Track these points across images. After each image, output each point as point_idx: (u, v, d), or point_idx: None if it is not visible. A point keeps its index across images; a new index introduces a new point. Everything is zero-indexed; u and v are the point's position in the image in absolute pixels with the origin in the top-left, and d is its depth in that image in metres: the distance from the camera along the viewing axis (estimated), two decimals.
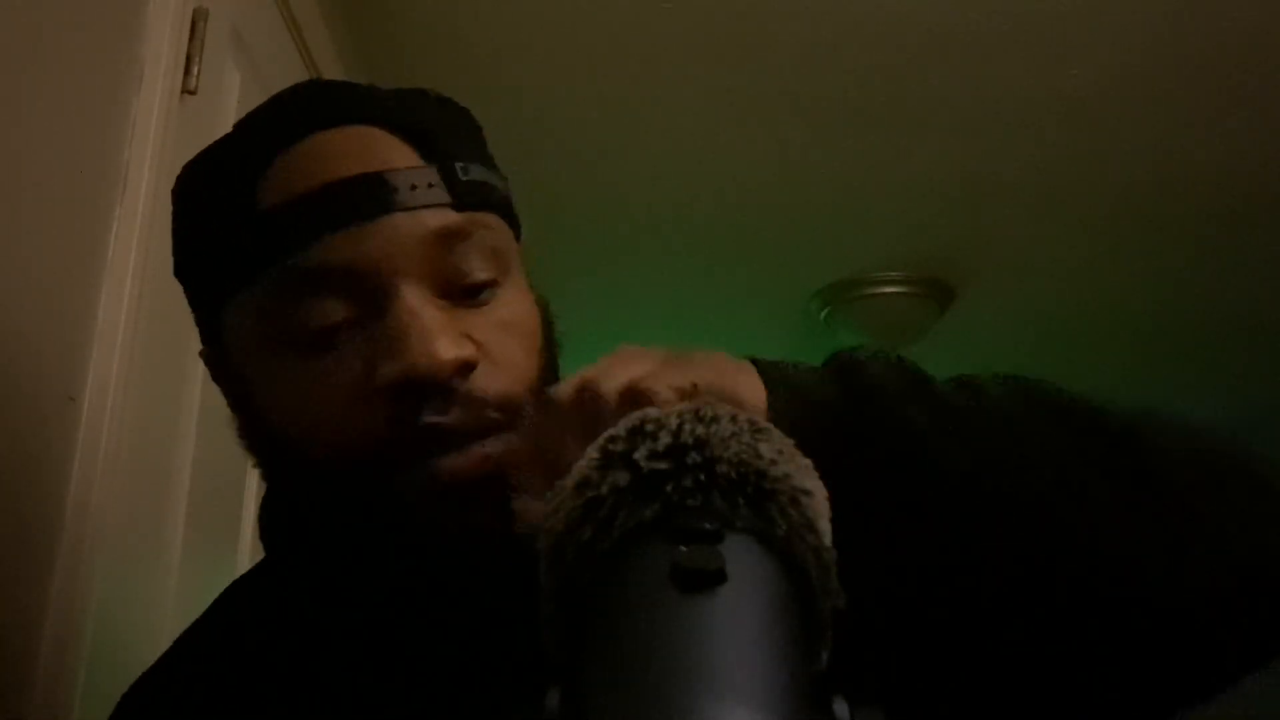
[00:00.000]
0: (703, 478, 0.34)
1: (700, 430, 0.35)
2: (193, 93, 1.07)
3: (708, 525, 0.32)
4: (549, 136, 2.01)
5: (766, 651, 0.30)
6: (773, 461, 0.35)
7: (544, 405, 0.48)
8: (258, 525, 0.62)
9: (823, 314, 2.70)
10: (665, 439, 0.35)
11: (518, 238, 0.60)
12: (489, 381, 0.52)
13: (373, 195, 0.52)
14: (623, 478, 0.34)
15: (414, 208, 0.52)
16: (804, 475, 0.36)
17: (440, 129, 0.56)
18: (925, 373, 0.51)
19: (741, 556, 0.32)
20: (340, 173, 0.52)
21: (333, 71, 1.57)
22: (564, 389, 0.47)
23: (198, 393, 1.11)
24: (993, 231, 2.39)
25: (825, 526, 0.36)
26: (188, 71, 1.07)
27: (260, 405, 0.56)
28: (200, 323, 0.60)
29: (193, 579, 1.09)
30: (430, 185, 0.53)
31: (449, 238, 0.53)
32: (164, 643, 1.05)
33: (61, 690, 0.83)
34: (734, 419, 0.37)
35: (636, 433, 0.36)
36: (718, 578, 0.30)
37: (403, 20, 1.70)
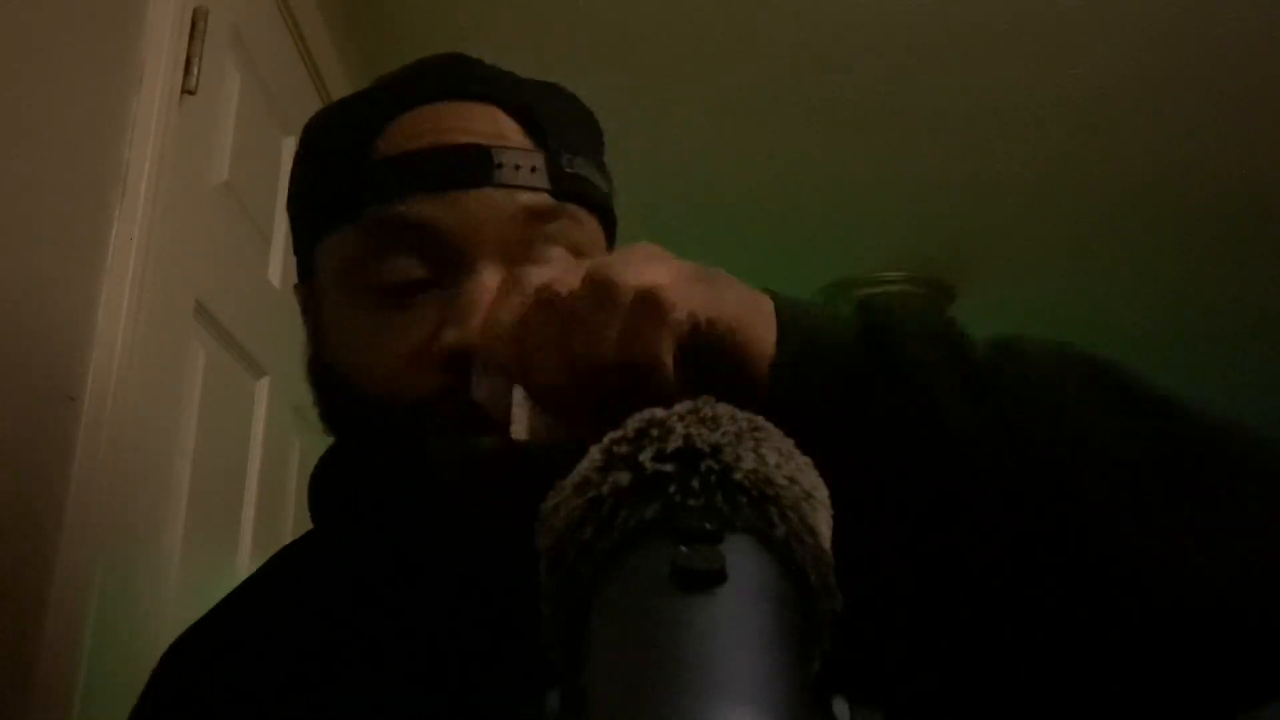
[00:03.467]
0: (713, 479, 0.34)
1: (710, 436, 0.35)
2: (193, 93, 1.07)
3: (708, 525, 0.32)
4: None
5: (766, 651, 0.30)
6: (777, 465, 0.35)
7: (545, 288, 0.45)
8: (307, 493, 0.63)
9: None
10: (675, 442, 0.35)
11: (611, 242, 0.61)
12: None
13: (474, 165, 0.53)
14: (624, 478, 0.34)
15: (512, 185, 0.53)
16: (805, 476, 0.36)
17: (556, 120, 0.57)
18: (963, 332, 0.47)
19: (741, 557, 0.32)
20: (450, 139, 0.54)
21: (333, 71, 1.57)
22: (571, 274, 0.45)
23: (198, 393, 1.11)
24: (993, 231, 2.39)
25: (825, 528, 0.36)
26: (188, 71, 1.07)
27: (331, 346, 0.57)
28: (298, 256, 0.63)
29: (193, 579, 1.09)
30: (533, 169, 0.54)
31: (538, 220, 0.54)
32: (164, 643, 1.05)
33: (61, 690, 0.83)
34: (734, 418, 0.37)
35: (643, 435, 0.36)
36: (717, 578, 0.30)
37: (403, 20, 1.70)
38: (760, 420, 0.37)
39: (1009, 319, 2.85)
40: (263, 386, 1.32)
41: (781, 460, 0.35)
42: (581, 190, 0.56)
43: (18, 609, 0.80)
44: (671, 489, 0.34)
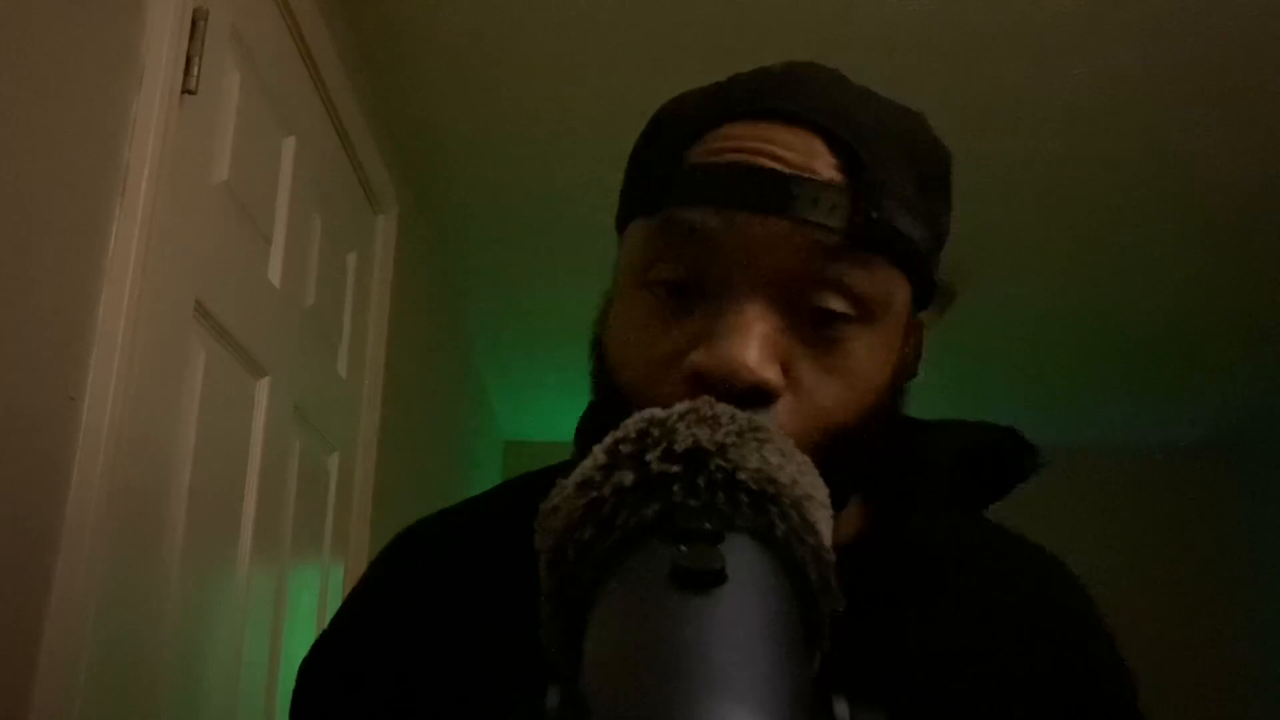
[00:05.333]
0: (719, 478, 0.34)
1: (715, 435, 0.35)
2: (193, 93, 1.07)
3: (708, 525, 0.32)
4: (549, 136, 2.01)
5: (766, 651, 0.30)
6: (780, 465, 0.35)
7: None
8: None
9: None
10: (684, 443, 0.35)
11: (922, 300, 0.58)
12: (784, 419, 0.51)
13: (767, 191, 0.52)
14: (627, 478, 0.34)
15: (803, 220, 0.51)
16: (806, 477, 0.36)
17: (881, 158, 0.54)
18: None
19: (741, 557, 0.32)
20: (753, 160, 0.53)
21: (332, 71, 1.57)
22: None
23: (198, 393, 1.11)
24: (993, 231, 2.39)
25: (826, 528, 0.36)
26: (188, 71, 1.07)
27: (607, 325, 0.59)
28: (617, 232, 0.62)
29: (192, 579, 1.09)
30: (833, 207, 0.51)
31: (821, 261, 0.51)
32: (164, 643, 1.06)
33: (62, 690, 0.83)
34: (734, 418, 0.37)
35: (645, 435, 0.36)
36: (718, 578, 0.30)
37: (402, 20, 1.70)
38: (760, 420, 0.37)
39: (1009, 319, 2.85)
40: (263, 386, 1.32)
41: (784, 460, 0.35)
42: (882, 237, 0.52)
43: (18, 609, 0.80)
44: (675, 489, 0.33)
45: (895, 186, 0.54)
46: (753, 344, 0.50)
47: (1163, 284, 2.62)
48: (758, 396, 0.50)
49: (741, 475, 0.34)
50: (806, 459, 0.37)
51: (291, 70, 1.44)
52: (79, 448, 0.87)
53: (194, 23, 1.08)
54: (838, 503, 0.40)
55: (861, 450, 0.53)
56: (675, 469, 0.34)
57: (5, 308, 0.78)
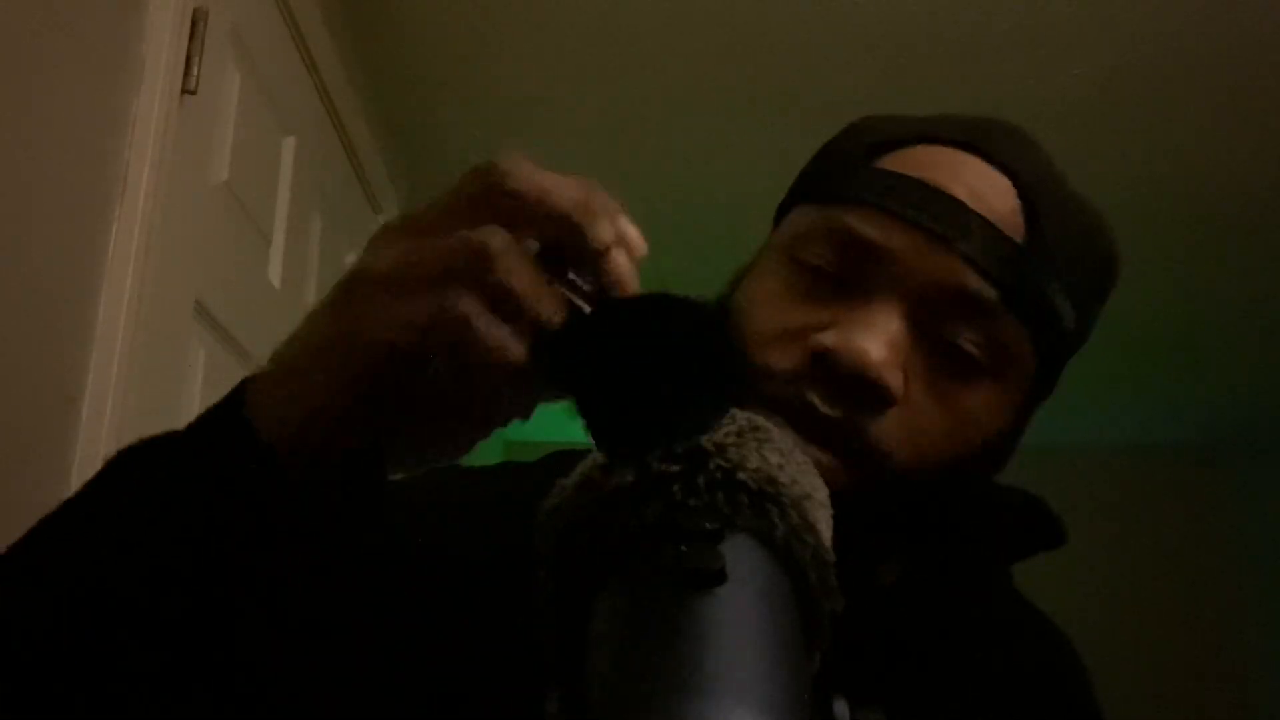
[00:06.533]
0: (719, 477, 0.34)
1: (714, 435, 0.35)
2: (193, 93, 1.07)
3: (708, 525, 0.32)
4: (549, 137, 2.01)
5: (766, 651, 0.30)
6: (780, 465, 0.35)
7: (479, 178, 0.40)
8: None
9: None
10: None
11: (1042, 389, 0.58)
12: (887, 429, 0.51)
13: (947, 219, 0.52)
14: (628, 477, 0.34)
15: (969, 260, 0.51)
16: (806, 476, 0.36)
17: (1063, 237, 0.55)
18: None
19: (741, 556, 0.32)
20: (949, 188, 0.53)
21: (333, 71, 1.57)
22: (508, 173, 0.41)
23: (198, 393, 1.11)
24: None
25: (826, 528, 0.36)
26: (188, 71, 1.07)
27: (741, 288, 0.59)
28: (776, 216, 0.64)
29: None
30: (1000, 259, 0.52)
31: (968, 305, 0.52)
32: None
33: None
34: (733, 418, 0.37)
35: None
36: (718, 577, 0.30)
37: (403, 21, 1.70)
38: (759, 420, 0.37)
39: None
40: None
41: (784, 460, 0.36)
42: (1032, 310, 0.53)
43: None
44: (675, 488, 0.34)
45: (1065, 267, 0.55)
46: (884, 344, 0.50)
47: (1161, 284, 2.62)
48: (875, 396, 0.50)
49: (741, 475, 0.34)
50: (807, 460, 0.37)
51: (291, 70, 1.44)
52: (79, 448, 0.87)
53: (194, 23, 1.08)
54: (887, 535, 0.43)
55: (943, 490, 0.54)
56: (675, 468, 0.34)
57: (5, 308, 0.78)
